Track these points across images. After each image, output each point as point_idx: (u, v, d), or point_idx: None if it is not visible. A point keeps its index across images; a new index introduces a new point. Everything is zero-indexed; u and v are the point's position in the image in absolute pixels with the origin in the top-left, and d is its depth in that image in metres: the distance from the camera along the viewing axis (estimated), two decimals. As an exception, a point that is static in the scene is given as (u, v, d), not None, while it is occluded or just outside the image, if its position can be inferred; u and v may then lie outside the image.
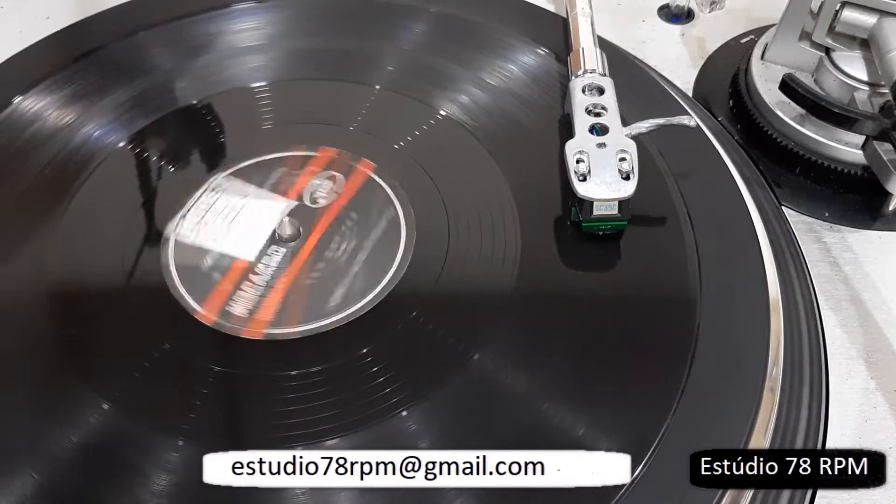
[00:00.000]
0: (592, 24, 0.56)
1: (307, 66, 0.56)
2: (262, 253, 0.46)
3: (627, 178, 0.44)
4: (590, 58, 0.52)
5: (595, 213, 0.44)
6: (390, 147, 0.50)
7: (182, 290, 0.44)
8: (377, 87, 0.54)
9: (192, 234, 0.46)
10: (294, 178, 0.49)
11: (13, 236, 0.46)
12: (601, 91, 0.49)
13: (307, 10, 0.60)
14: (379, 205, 0.48)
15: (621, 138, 0.46)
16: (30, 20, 0.66)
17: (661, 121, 0.47)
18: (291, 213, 0.47)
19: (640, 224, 0.46)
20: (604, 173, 0.44)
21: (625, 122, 0.47)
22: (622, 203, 0.44)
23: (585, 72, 0.51)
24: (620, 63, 0.55)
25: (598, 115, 0.48)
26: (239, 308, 0.43)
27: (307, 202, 0.48)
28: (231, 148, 0.51)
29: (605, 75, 0.51)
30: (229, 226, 0.47)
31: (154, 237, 0.46)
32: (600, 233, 0.45)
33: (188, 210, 0.47)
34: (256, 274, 0.45)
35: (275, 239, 0.46)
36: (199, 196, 0.48)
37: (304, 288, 0.44)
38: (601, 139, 0.46)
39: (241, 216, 0.47)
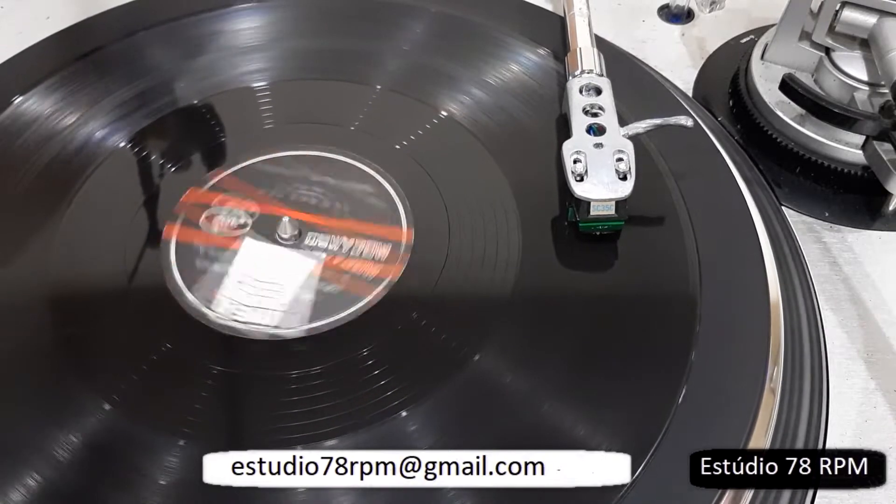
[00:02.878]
0: (590, 24, 0.56)
1: (307, 66, 0.56)
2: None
3: (624, 178, 0.44)
4: (587, 58, 0.52)
5: (592, 213, 0.44)
6: (391, 147, 0.50)
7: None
8: (377, 87, 0.54)
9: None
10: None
11: (14, 236, 0.46)
12: (598, 91, 0.49)
13: (307, 10, 0.60)
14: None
15: (618, 138, 0.46)
16: (30, 20, 0.66)
17: (658, 121, 0.47)
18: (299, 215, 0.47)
19: (640, 224, 0.46)
20: (601, 173, 0.44)
21: (623, 122, 0.47)
22: (619, 203, 0.44)
23: (583, 72, 0.51)
24: (620, 63, 0.55)
25: (595, 115, 0.48)
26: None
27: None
28: (231, 148, 0.51)
29: (602, 75, 0.51)
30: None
31: (154, 237, 0.46)
32: (597, 233, 0.45)
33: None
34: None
35: (275, 239, 0.46)
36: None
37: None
38: (598, 139, 0.46)
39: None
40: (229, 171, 0.49)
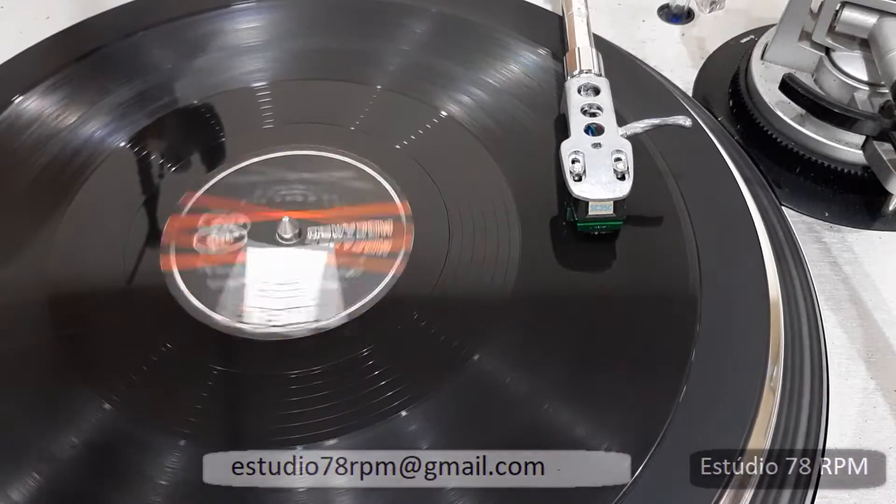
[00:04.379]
0: (588, 24, 0.56)
1: (307, 66, 0.56)
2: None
3: (623, 178, 0.44)
4: (585, 58, 0.52)
5: (590, 213, 0.44)
6: (391, 147, 0.50)
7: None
8: (378, 87, 0.54)
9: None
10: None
11: (14, 236, 0.46)
12: (597, 91, 0.49)
13: (307, 10, 0.60)
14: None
15: (617, 138, 0.46)
16: (30, 20, 0.66)
17: (656, 121, 0.47)
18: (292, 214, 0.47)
19: (639, 224, 0.46)
20: (599, 173, 0.44)
21: (622, 123, 0.47)
22: (617, 203, 0.44)
23: (581, 72, 0.51)
24: (620, 63, 0.55)
25: (593, 115, 0.48)
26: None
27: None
28: (231, 148, 0.51)
29: (600, 75, 0.51)
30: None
31: (154, 237, 0.46)
32: (595, 233, 0.45)
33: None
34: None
35: (277, 242, 0.46)
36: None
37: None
38: (596, 139, 0.46)
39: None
40: (202, 191, 0.49)
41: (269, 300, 0.43)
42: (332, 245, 0.46)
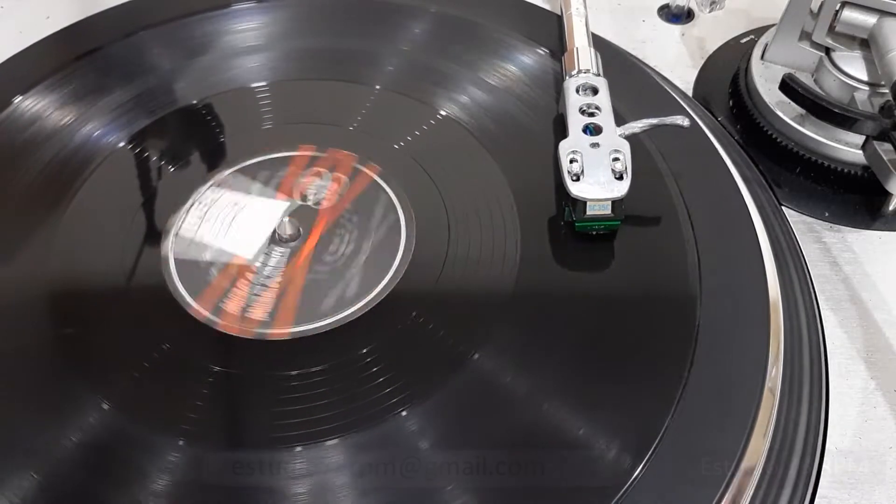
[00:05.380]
0: (587, 24, 0.56)
1: (307, 66, 0.56)
2: (262, 253, 0.46)
3: (621, 177, 0.44)
4: (584, 58, 0.52)
5: (588, 212, 0.44)
6: (390, 147, 0.50)
7: (182, 291, 0.44)
8: (377, 87, 0.54)
9: (192, 231, 0.46)
10: (297, 179, 0.49)
11: (13, 236, 0.46)
12: (595, 91, 0.49)
13: (307, 10, 0.60)
14: (379, 205, 0.48)
15: (615, 138, 0.46)
16: (30, 20, 0.66)
17: (654, 121, 0.47)
18: (292, 213, 0.47)
19: (640, 224, 0.46)
20: (597, 173, 0.44)
21: (622, 122, 0.47)
22: (615, 203, 0.44)
23: (580, 72, 0.51)
24: (620, 63, 0.55)
25: (591, 115, 0.48)
26: (239, 308, 0.43)
27: (310, 203, 0.48)
28: (231, 148, 0.51)
29: (599, 75, 0.51)
30: (230, 224, 0.47)
31: (154, 237, 0.46)
32: (593, 233, 0.45)
33: (190, 206, 0.47)
34: (256, 274, 0.45)
35: (275, 239, 0.46)
36: (203, 192, 0.48)
37: (304, 288, 0.44)
38: (595, 139, 0.46)
39: (243, 215, 0.47)
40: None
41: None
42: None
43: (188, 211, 0.47)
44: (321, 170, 0.49)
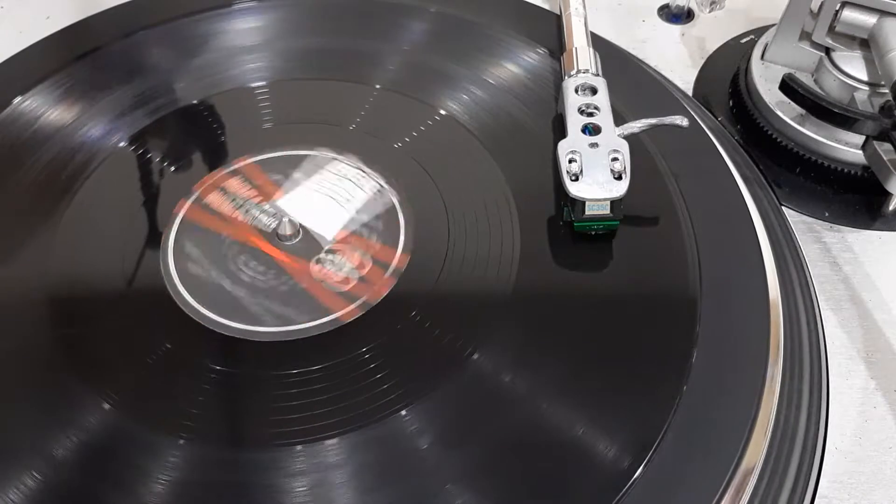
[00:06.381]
0: (586, 24, 0.56)
1: (307, 66, 0.56)
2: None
3: (619, 177, 0.44)
4: (583, 58, 0.52)
5: (587, 212, 0.44)
6: (390, 147, 0.50)
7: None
8: (376, 86, 0.54)
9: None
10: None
11: (13, 236, 0.46)
12: (594, 91, 0.49)
13: (307, 10, 0.60)
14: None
15: (614, 138, 0.46)
16: (30, 20, 0.66)
17: (653, 121, 0.47)
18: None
19: (639, 224, 0.46)
20: (596, 173, 0.44)
21: (622, 122, 0.47)
22: (614, 203, 0.44)
23: (578, 72, 0.51)
24: (620, 63, 0.55)
25: (590, 114, 0.48)
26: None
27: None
28: (231, 148, 0.51)
29: (598, 75, 0.51)
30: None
31: (154, 237, 0.46)
32: (592, 233, 0.45)
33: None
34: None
35: (275, 238, 0.46)
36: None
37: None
38: (593, 139, 0.46)
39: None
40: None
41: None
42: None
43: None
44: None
